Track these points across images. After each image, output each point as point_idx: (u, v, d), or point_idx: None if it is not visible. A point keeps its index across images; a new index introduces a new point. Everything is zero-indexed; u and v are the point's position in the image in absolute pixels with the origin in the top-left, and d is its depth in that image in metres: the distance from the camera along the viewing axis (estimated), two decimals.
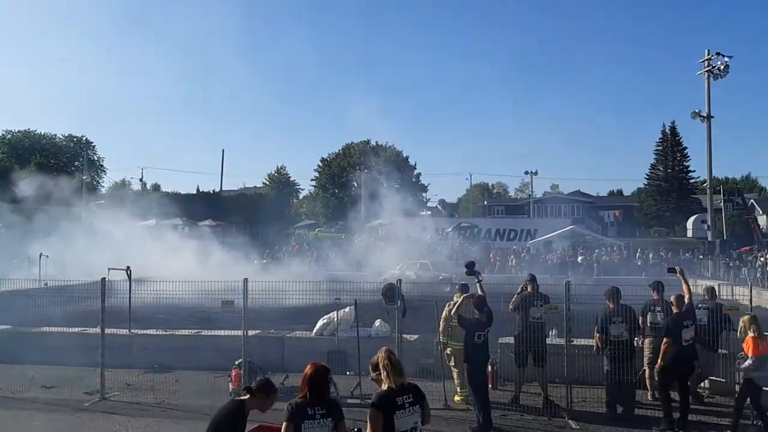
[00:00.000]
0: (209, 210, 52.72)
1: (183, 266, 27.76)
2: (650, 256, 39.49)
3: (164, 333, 13.34)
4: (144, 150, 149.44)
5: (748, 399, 8.20)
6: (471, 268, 9.58)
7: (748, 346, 8.13)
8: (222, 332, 12.86)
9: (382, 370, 4.65)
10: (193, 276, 14.25)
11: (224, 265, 31.18)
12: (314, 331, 12.56)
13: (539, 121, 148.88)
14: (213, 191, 67.30)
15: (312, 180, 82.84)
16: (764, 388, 8.00)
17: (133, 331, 13.15)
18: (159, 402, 10.05)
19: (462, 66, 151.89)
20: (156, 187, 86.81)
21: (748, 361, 8.08)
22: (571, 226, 50.64)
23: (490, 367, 10.02)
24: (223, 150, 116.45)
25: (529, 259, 39.27)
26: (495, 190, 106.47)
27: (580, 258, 39.09)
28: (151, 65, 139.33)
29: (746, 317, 8.38)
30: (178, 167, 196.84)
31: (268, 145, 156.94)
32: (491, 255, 41.42)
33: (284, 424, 4.50)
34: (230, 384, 10.40)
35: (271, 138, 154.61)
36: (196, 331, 13.58)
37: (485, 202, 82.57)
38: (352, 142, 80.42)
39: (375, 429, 4.47)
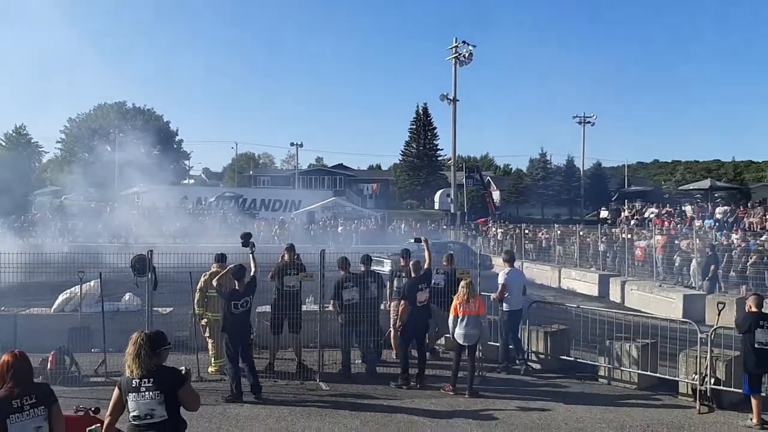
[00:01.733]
0: None
1: None
2: (402, 226, 42.66)
3: None
4: None
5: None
6: (246, 239, 9.46)
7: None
8: None
9: (126, 356, 4.54)
10: None
11: None
12: (54, 307, 11.51)
13: (305, 95, 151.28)
14: None
15: (58, 142, 74.74)
16: (463, 344, 9.14)
17: None
18: None
19: (227, 33, 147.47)
20: None
21: (450, 320, 9.26)
22: (333, 198, 52.63)
23: None
24: None
25: (294, 229, 39.93)
26: (261, 161, 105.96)
27: (340, 228, 40.79)
28: None
29: (462, 282, 9.49)
30: None
31: (5, 100, 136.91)
32: (255, 225, 41.28)
33: None
34: None
35: (7, 92, 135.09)
36: None
37: (251, 172, 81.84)
38: (105, 103, 74.03)
39: (110, 406, 4.54)
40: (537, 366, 10.60)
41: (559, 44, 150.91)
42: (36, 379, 4.68)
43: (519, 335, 10.62)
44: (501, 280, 10.43)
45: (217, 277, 9.07)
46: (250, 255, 9.27)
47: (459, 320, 9.07)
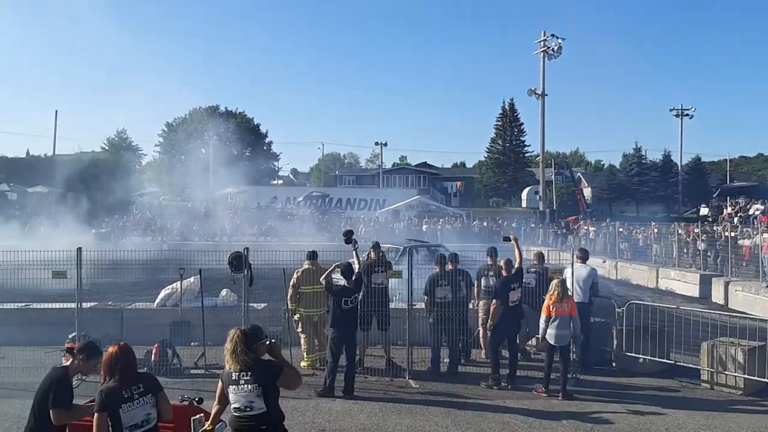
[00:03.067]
0: (41, 175, 48.24)
1: (8, 234, 25.41)
2: (487, 224, 42.11)
3: None
4: None
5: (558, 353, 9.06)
6: (349, 236, 9.65)
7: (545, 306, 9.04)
8: (54, 305, 11.96)
9: (224, 351, 4.69)
10: (22, 245, 13.07)
11: (57, 234, 28.94)
12: (156, 302, 12.12)
13: (390, 94, 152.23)
14: (45, 155, 61.58)
15: (156, 145, 78.67)
16: (555, 344, 8.88)
17: None
18: None
19: (315, 37, 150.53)
20: None
21: (541, 320, 8.99)
22: (418, 196, 52.74)
23: None
24: (56, 111, 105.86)
25: (378, 228, 40.30)
26: (346, 160, 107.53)
27: (425, 227, 40.77)
28: None
29: (554, 281, 9.18)
30: (3, 129, 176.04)
31: (107, 106, 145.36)
32: (341, 224, 41.95)
33: (96, 415, 4.22)
34: (63, 358, 9.78)
35: (111, 99, 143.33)
36: (24, 304, 12.50)
37: (336, 172, 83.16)
38: (199, 107, 77.20)
39: (216, 397, 4.72)
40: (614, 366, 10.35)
41: (654, 34, 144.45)
42: (141, 369, 4.94)
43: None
44: (565, 273, 10.32)
45: (325, 274, 9.24)
46: (354, 252, 9.44)
47: (551, 320, 8.85)
